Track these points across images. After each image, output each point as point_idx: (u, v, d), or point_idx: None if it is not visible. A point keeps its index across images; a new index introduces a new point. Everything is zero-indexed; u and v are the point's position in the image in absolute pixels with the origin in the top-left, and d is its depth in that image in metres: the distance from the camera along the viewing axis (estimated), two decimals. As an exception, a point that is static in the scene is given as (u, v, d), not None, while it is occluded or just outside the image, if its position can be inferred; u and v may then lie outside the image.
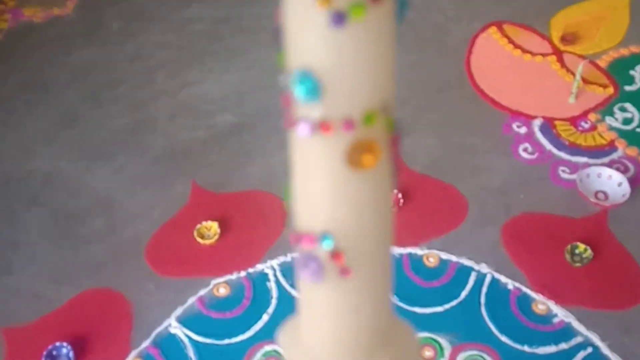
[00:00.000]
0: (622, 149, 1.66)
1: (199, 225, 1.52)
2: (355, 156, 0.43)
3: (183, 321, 1.39)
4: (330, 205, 0.46)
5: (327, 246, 0.47)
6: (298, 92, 0.41)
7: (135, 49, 1.99)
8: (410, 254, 1.47)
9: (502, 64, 1.89)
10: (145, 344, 1.37)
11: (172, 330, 1.38)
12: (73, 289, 1.46)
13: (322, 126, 0.42)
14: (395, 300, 1.35)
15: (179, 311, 1.41)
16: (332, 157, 0.44)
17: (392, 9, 0.41)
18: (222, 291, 1.44)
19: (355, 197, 0.46)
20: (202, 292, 1.44)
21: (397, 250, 1.46)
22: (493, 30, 1.97)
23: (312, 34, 0.40)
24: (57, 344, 1.34)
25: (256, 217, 1.56)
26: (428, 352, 1.32)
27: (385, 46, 0.42)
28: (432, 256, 1.47)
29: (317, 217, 0.47)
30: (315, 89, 0.41)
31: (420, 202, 1.56)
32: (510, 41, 1.93)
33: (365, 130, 0.43)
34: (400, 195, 1.55)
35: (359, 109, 0.42)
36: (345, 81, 0.41)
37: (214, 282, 1.45)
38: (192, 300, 1.43)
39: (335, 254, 0.48)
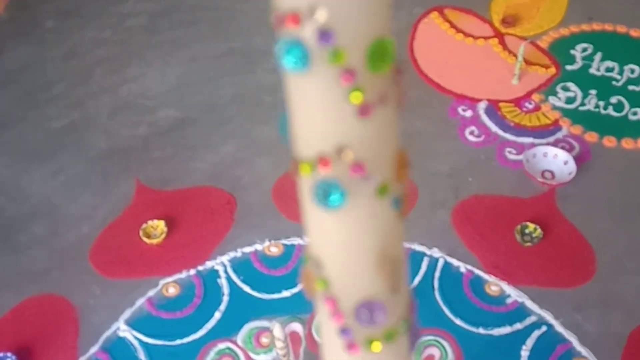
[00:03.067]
0: (567, 127, 1.67)
1: (144, 225, 1.48)
2: None
3: (132, 323, 1.35)
4: None
5: None
6: None
7: (71, 46, 1.93)
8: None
9: (445, 49, 1.89)
10: (94, 349, 1.32)
11: (121, 334, 1.34)
12: (15, 296, 1.41)
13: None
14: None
15: (127, 313, 1.37)
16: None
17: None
18: (172, 291, 1.40)
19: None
20: (150, 293, 1.40)
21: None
22: (435, 15, 1.96)
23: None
24: (1, 354, 1.29)
25: (204, 213, 1.53)
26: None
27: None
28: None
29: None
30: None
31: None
32: (452, 25, 1.93)
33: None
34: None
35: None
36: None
37: (162, 281, 1.41)
38: (140, 301, 1.39)
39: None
